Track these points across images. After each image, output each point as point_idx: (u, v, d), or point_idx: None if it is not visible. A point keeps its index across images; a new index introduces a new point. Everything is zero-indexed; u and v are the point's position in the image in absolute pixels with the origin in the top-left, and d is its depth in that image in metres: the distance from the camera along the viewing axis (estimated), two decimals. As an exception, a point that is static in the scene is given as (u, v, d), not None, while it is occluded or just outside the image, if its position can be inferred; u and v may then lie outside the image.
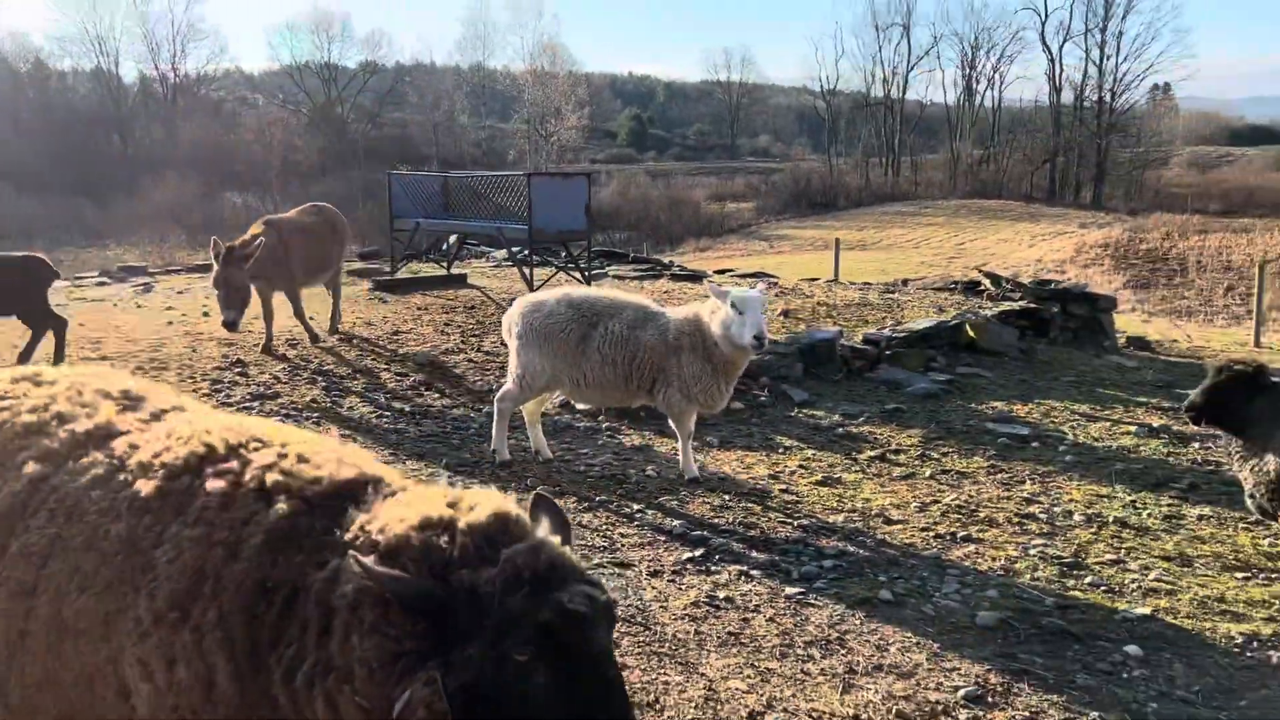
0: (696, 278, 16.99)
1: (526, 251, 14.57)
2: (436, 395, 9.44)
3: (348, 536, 2.00)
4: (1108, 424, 9.87)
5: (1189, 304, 33.59)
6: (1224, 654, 4.88)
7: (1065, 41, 59.91)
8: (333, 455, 2.25)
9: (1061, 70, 58.60)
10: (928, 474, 7.98)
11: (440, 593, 1.81)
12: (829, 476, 7.72)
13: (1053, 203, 56.95)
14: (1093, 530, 6.71)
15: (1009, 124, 63.82)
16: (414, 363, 10.38)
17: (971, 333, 12.90)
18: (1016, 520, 6.85)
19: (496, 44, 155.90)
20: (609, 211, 60.24)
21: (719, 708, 4.02)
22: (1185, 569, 6.11)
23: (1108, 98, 57.29)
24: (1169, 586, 5.73)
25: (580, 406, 8.19)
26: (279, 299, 10.75)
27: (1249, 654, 4.88)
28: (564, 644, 1.78)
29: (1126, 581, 5.78)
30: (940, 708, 4.09)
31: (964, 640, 4.81)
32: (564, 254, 14.95)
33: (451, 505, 1.98)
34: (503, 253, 18.95)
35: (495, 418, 7.15)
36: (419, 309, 13.33)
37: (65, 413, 2.52)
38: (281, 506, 2.07)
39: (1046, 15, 62.11)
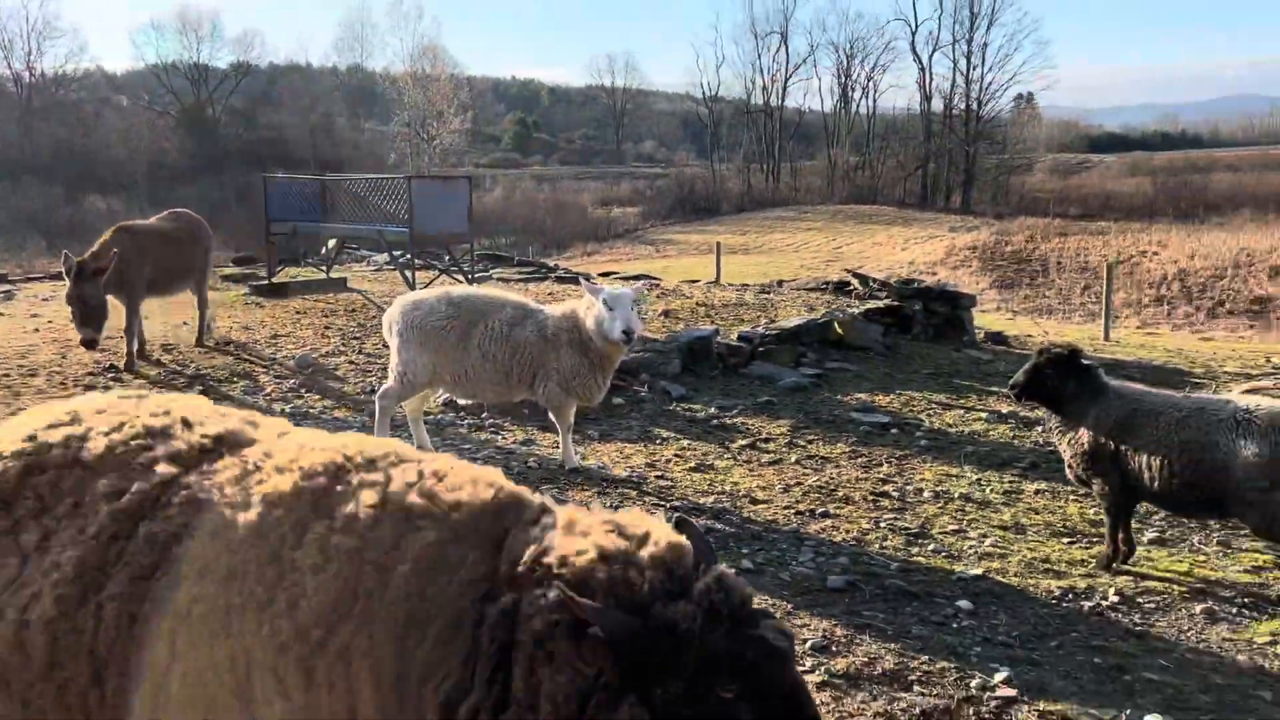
0: (580, 280, 17.39)
1: (408, 255, 14.70)
2: (317, 397, 9.54)
3: (520, 569, 1.97)
4: (961, 411, 10.67)
5: (1049, 302, 35.70)
6: (1043, 605, 5.51)
7: (934, 51, 62.85)
8: (467, 475, 2.20)
9: (931, 79, 61.45)
10: (794, 459, 8.53)
11: (643, 629, 1.80)
12: (702, 464, 8.19)
13: (925, 207, 59.48)
14: (939, 505, 7.36)
15: (883, 131, 66.39)
16: (294, 365, 10.43)
17: (839, 330, 13.65)
18: (871, 498, 7.44)
19: (375, 45, 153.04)
20: (494, 216, 60.11)
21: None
22: (1019, 536, 6.79)
23: (974, 106, 60.23)
24: (1002, 551, 6.38)
25: (462, 402, 8.45)
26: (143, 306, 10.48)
27: (1064, 604, 5.53)
28: (767, 681, 1.81)
29: (965, 548, 6.41)
30: (790, 658, 4.56)
31: (815, 601, 5.31)
32: (446, 257, 15.11)
33: (620, 534, 1.97)
34: (384, 256, 18.95)
35: (377, 415, 7.37)
36: (298, 313, 13.32)
37: (189, 418, 2.48)
38: (429, 534, 2.03)
39: (916, 26, 64.97)
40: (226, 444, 2.40)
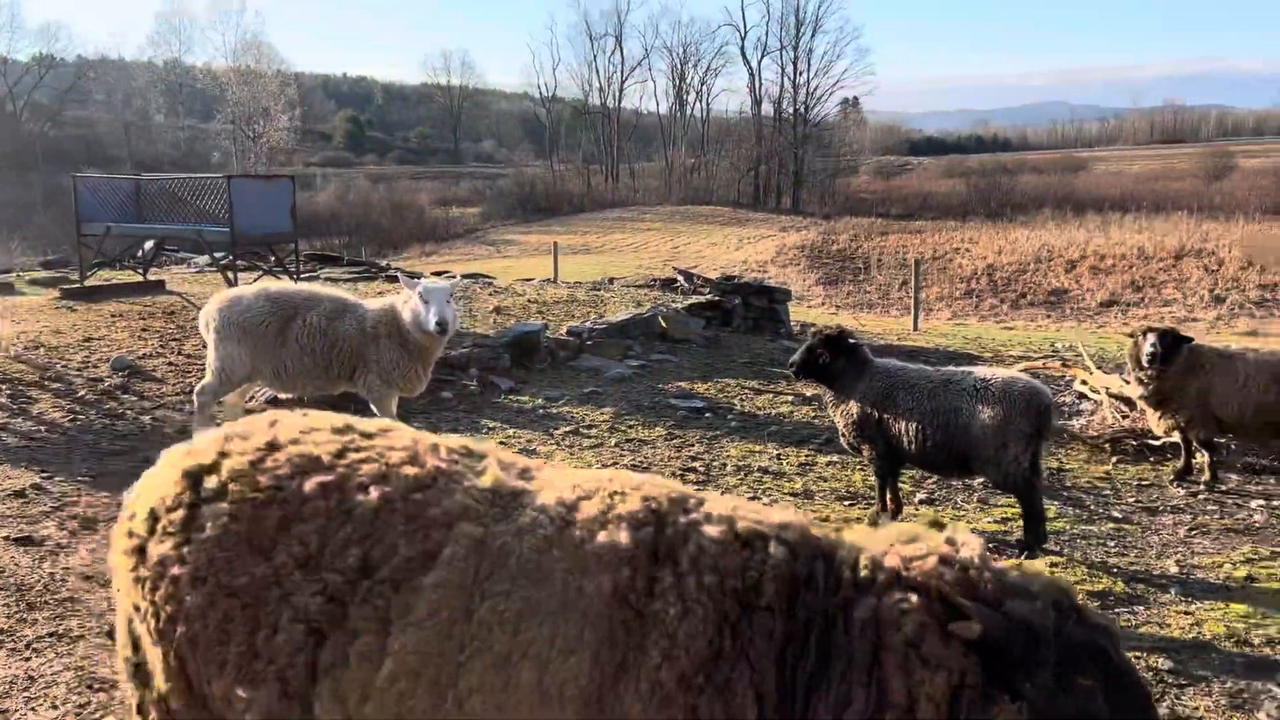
0: (398, 275, 17.57)
1: (230, 256, 14.52)
2: (134, 398, 9.49)
3: (863, 575, 2.06)
4: (770, 395, 11.52)
5: (870, 297, 37.90)
6: (818, 556, 6.25)
7: (763, 57, 65.34)
8: (755, 506, 2.31)
9: (760, 84, 63.93)
10: (613, 443, 9.12)
11: (1009, 625, 1.88)
12: (524, 449, 8.66)
13: (757, 208, 61.76)
14: (739, 477, 8.09)
15: (718, 134, 68.52)
16: (110, 368, 10.29)
17: (664, 324, 14.38)
18: (678, 473, 8.10)
19: (195, 39, 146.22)
20: (326, 216, 58.66)
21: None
22: (807, 500, 7.57)
23: (802, 110, 62.99)
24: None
25: (283, 396, 8.63)
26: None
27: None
28: (1115, 665, 1.91)
29: (757, 512, 7.12)
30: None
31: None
32: (271, 258, 15.02)
33: (927, 540, 2.08)
34: (206, 258, 18.53)
35: (196, 410, 7.50)
36: (113, 316, 13.01)
37: (444, 469, 2.39)
38: (777, 550, 2.08)
39: (745, 32, 67.39)
40: (505, 494, 2.33)
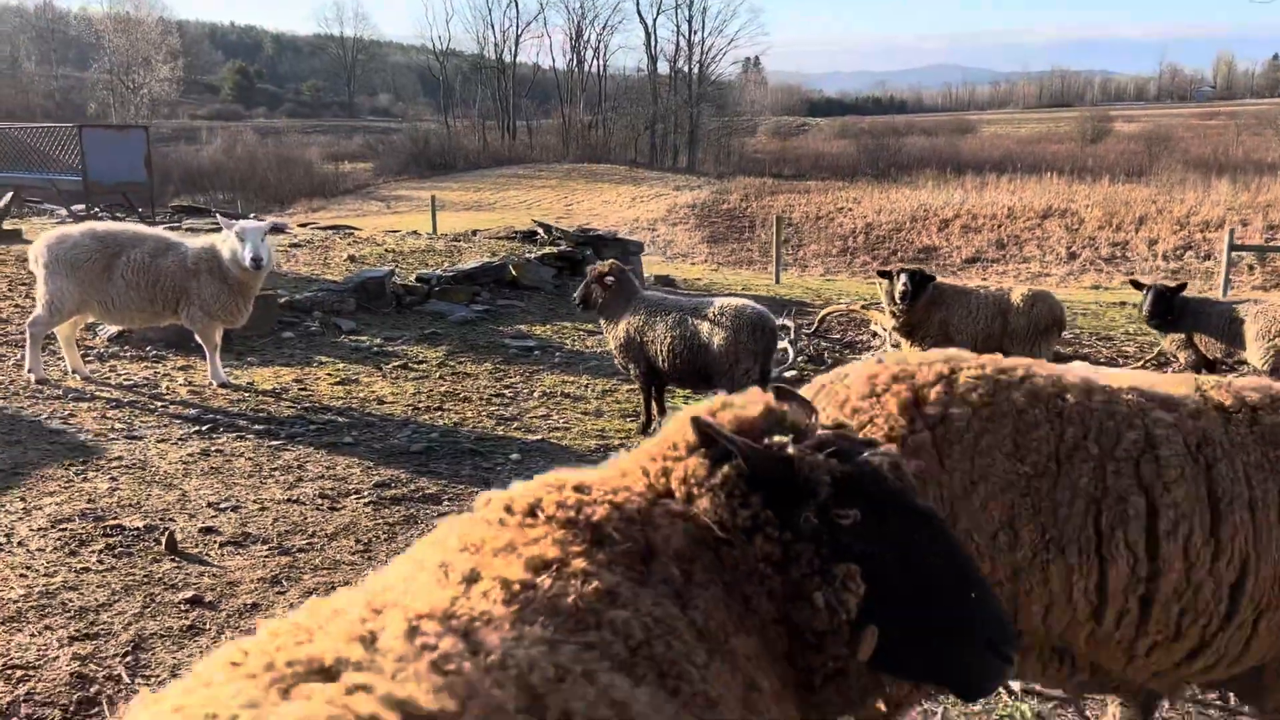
0: (275, 229, 18.16)
1: (89, 207, 14.96)
2: (-21, 336, 10.10)
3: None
4: (600, 337, 12.63)
5: (752, 255, 39.38)
6: (579, 456, 7.40)
7: (659, 15, 66.11)
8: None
9: (656, 42, 64.77)
10: (438, 375, 10.11)
11: (769, 457, 1.90)
12: (348, 379, 9.61)
13: (653, 167, 62.81)
14: (541, 401, 9.18)
15: (615, 92, 69.17)
16: (-46, 309, 10.84)
17: (514, 272, 15.36)
18: (488, 399, 9.16)
19: None
20: (210, 171, 57.74)
21: (186, 504, 5.80)
22: (597, 418, 8.70)
23: (696, 69, 64.13)
24: (572, 427, 8.26)
25: (113, 329, 9.37)
26: None
27: (594, 455, 7.45)
28: (888, 492, 1.86)
29: (543, 425, 8.24)
30: (354, 491, 6.16)
31: (395, 461, 6.93)
32: (129, 208, 15.47)
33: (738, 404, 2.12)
34: (65, 210, 18.77)
35: (29, 342, 8.25)
36: (-36, 264, 13.41)
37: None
38: None
39: (642, -12, 67.84)
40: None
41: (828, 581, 1.75)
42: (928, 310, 9.62)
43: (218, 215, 9.06)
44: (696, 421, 1.87)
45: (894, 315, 9.81)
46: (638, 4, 66.91)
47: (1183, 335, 9.93)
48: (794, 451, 1.85)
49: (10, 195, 17.33)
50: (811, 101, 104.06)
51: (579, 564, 1.59)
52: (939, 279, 9.84)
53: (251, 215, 11.53)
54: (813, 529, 1.79)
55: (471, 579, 1.54)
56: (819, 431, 1.94)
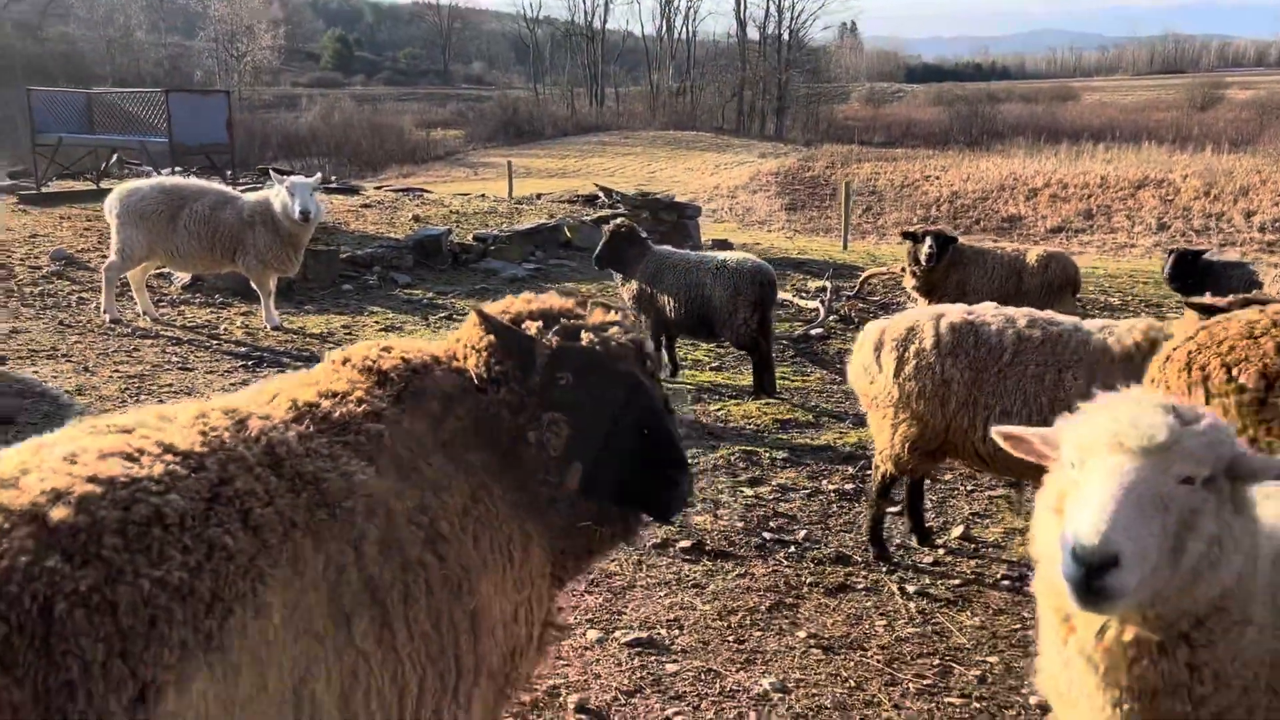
0: (351, 191, 19.20)
1: (182, 168, 16.08)
2: (67, 283, 11.19)
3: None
4: (639, 293, 13.20)
5: (830, 222, 39.26)
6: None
7: (751, -21, 65.62)
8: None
9: (745, 7, 64.35)
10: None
11: (512, 334, 2.35)
12: (392, 326, 10.39)
13: (740, 134, 62.71)
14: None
15: (704, 58, 69.11)
16: (49, 259, 11.98)
17: (569, 233, 16.00)
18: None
19: None
20: (306, 137, 59.79)
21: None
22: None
23: (786, 34, 63.60)
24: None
25: (185, 278, 10.30)
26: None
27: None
28: (597, 362, 2.32)
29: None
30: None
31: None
32: (214, 168, 16.58)
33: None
34: (166, 170, 20.11)
35: (104, 285, 9.21)
36: (61, 218, 14.64)
37: None
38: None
39: (733, -48, 67.26)
40: None
41: (542, 425, 2.29)
42: (947, 271, 9.92)
43: (270, 171, 9.87)
44: (476, 310, 2.44)
45: (914, 275, 10.12)
46: (728, -32, 66.37)
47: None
48: (533, 332, 2.40)
49: (115, 157, 18.69)
50: (909, 67, 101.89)
51: (358, 394, 2.18)
52: (960, 240, 10.11)
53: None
54: (538, 385, 2.33)
55: (275, 395, 2.14)
56: (564, 321, 2.45)
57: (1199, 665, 2.04)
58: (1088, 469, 1.98)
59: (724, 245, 19.05)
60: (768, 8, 63.16)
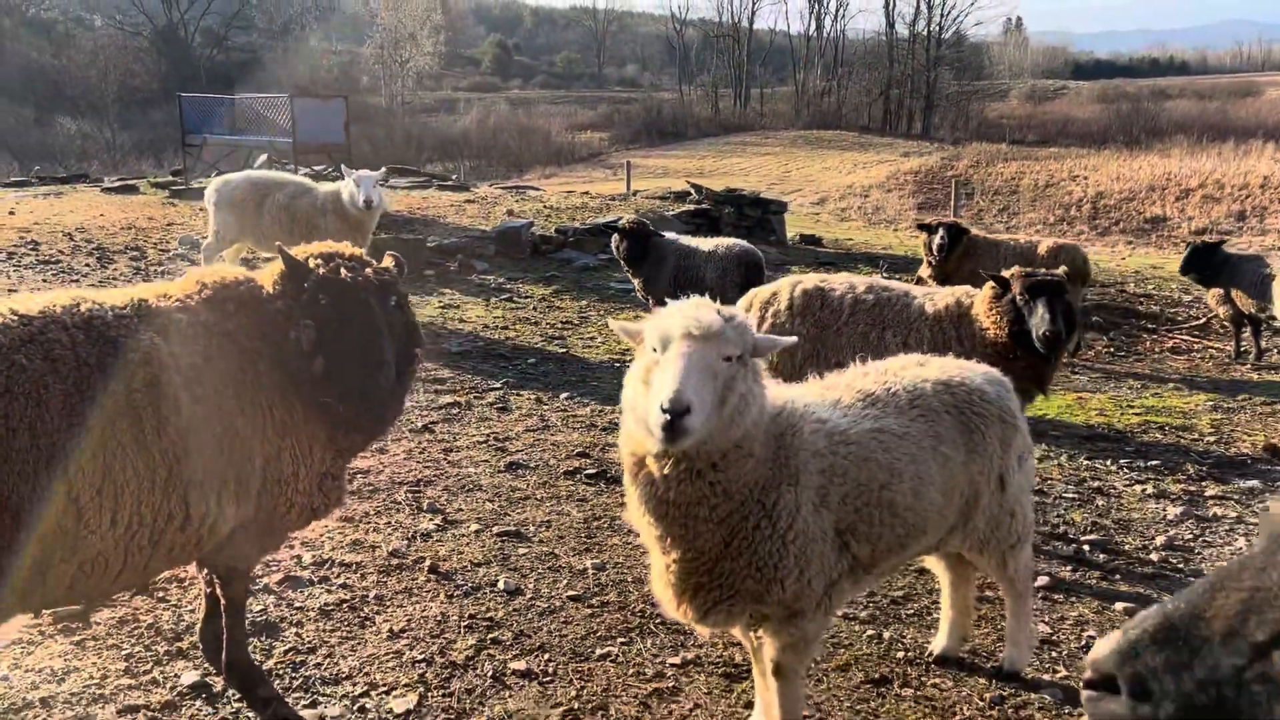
0: (460, 188, 20.90)
1: (307, 167, 18.07)
2: (186, 263, 13.06)
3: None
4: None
5: (962, 222, 38.93)
6: (585, 365, 9.05)
7: (899, -25, 64.87)
8: None
9: (894, 5, 63.73)
10: (531, 306, 12.06)
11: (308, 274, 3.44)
12: (451, 305, 11.72)
13: (885, 133, 62.23)
14: (598, 327, 10.88)
15: (851, 57, 68.80)
16: (178, 243, 13.94)
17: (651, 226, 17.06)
18: (555, 324, 10.97)
19: None
20: (458, 140, 63.11)
21: None
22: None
23: (936, 31, 62.65)
24: (599, 346, 9.91)
25: (265, 255, 11.93)
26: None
27: (603, 367, 9.07)
28: (347, 292, 3.37)
29: (578, 343, 9.94)
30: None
31: (434, 357, 8.88)
32: (334, 166, 18.48)
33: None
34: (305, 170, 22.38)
35: (203, 261, 10.89)
36: (200, 209, 16.67)
37: None
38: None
39: (883, -51, 66.65)
40: None
41: (300, 328, 3.37)
42: (960, 261, 10.50)
43: (342, 166, 11.34)
44: (278, 247, 3.57)
45: (929, 264, 10.75)
46: (877, -34, 65.95)
47: (1221, 290, 10.23)
48: (312, 265, 3.47)
49: (264, 157, 20.98)
50: (1078, 63, 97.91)
51: (180, 295, 3.34)
52: (973, 231, 10.66)
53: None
54: (306, 301, 3.39)
55: (133, 293, 3.32)
56: (338, 261, 3.47)
57: (718, 483, 2.96)
58: (669, 352, 2.92)
59: (812, 241, 19.76)
60: (918, 5, 62.38)
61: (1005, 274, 5.32)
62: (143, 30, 78.01)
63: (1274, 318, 9.72)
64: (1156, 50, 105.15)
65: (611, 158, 62.88)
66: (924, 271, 11.13)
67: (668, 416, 2.71)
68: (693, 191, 20.30)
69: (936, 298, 5.41)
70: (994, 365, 4.99)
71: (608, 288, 13.55)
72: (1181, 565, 4.93)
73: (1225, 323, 10.64)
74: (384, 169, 11.08)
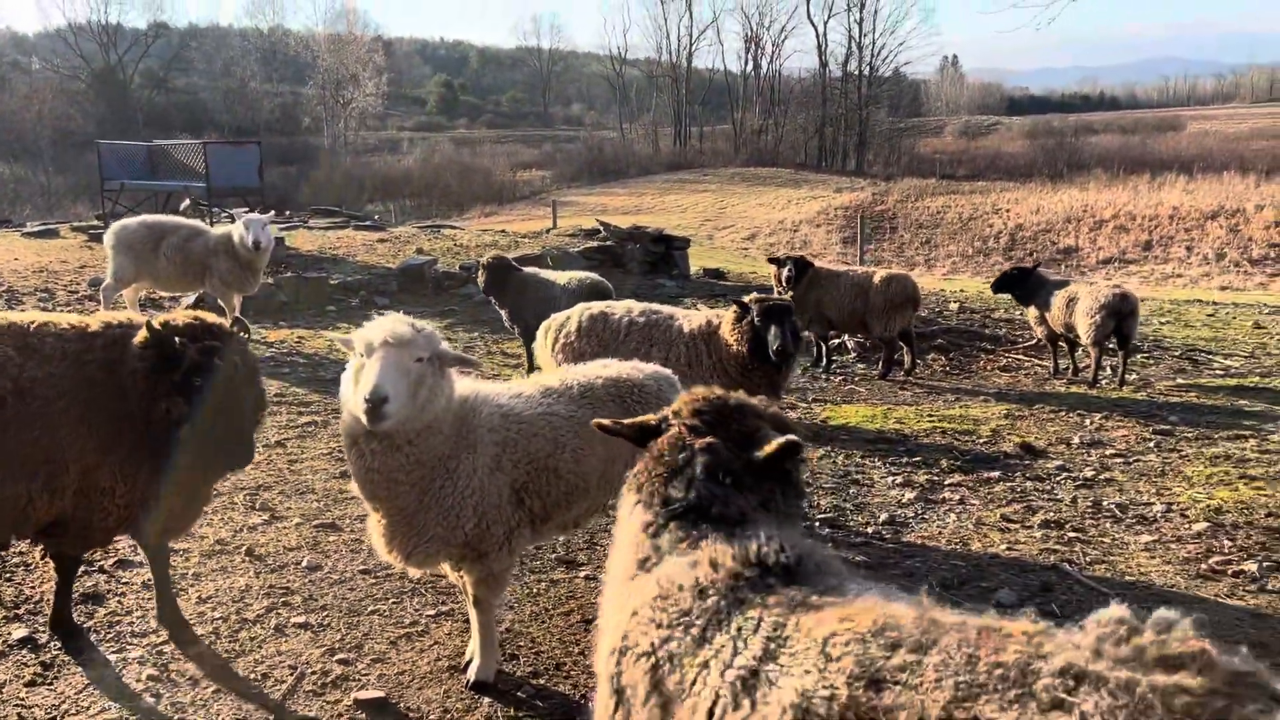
0: (376, 228, 21.84)
1: (210, 207, 18.92)
2: (95, 304, 13.83)
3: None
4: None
5: (885, 255, 40.49)
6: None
7: (829, 18, 67.23)
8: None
9: (826, 45, 66.00)
10: (421, 339, 12.97)
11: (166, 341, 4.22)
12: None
13: (820, 169, 64.15)
14: (484, 355, 11.83)
15: (786, 96, 70.91)
16: (87, 284, 14.69)
17: (550, 262, 18.07)
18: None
19: (287, 7, 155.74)
20: (399, 179, 63.99)
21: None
22: (507, 358, 11.24)
23: (866, 71, 64.89)
24: (484, 363, 10.86)
25: (191, 298, 12.77)
26: None
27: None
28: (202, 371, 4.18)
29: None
30: (272, 397, 9.07)
31: (310, 385, 9.75)
32: (246, 208, 19.34)
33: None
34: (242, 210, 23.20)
35: (102, 302, 11.70)
36: (114, 251, 17.54)
37: None
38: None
39: (810, -7, 69.02)
40: None
41: (172, 402, 4.24)
42: (807, 291, 11.61)
43: (232, 212, 12.23)
44: (147, 324, 4.50)
45: (779, 294, 11.84)
46: (807, 9, 68.33)
47: (1037, 310, 11.43)
48: (181, 346, 4.29)
49: (188, 202, 21.76)
50: (1012, 99, 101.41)
51: (69, 333, 4.24)
52: (817, 264, 11.80)
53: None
54: (177, 380, 4.20)
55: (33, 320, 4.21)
56: (213, 340, 4.37)
57: (413, 455, 3.91)
58: (372, 356, 3.87)
59: (715, 274, 20.88)
60: (849, 46, 64.60)
61: (745, 299, 6.34)
62: (80, 74, 78.24)
63: (1079, 336, 10.90)
64: (1088, 86, 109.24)
65: (552, 196, 64.06)
66: (776, 301, 12.22)
67: (370, 404, 3.67)
68: (602, 229, 21.38)
69: (693, 319, 6.44)
70: (736, 375, 6.07)
71: (502, 321, 14.50)
72: (889, 536, 5.96)
73: (1044, 341, 11.84)
74: (271, 213, 11.98)
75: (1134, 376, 11.31)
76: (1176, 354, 12.83)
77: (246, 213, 11.60)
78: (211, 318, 4.46)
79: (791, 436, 2.38)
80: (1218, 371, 11.79)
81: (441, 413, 3.92)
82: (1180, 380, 11.20)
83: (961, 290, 19.49)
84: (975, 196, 50.49)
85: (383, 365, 3.74)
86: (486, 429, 4.08)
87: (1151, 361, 12.43)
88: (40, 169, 60.63)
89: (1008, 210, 46.01)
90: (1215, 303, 21.98)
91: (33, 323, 4.26)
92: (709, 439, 2.42)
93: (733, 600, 1.99)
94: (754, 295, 6.47)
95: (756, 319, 6.16)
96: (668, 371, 4.81)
